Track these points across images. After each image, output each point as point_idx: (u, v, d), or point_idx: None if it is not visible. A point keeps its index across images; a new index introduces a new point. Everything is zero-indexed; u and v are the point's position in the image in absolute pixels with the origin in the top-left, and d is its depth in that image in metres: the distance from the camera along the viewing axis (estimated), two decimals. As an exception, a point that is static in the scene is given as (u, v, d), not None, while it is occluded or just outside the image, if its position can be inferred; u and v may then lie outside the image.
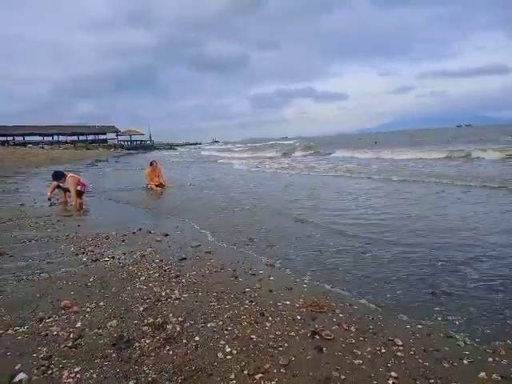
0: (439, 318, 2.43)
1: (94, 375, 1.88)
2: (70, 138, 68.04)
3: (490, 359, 1.97)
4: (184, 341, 2.19)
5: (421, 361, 1.97)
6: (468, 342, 2.13)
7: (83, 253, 4.00)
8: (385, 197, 7.45)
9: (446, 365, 1.93)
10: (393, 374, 1.86)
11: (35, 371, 1.90)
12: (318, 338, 2.22)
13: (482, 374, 1.83)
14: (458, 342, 2.14)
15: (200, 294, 2.86)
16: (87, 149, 56.26)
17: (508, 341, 2.13)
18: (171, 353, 2.07)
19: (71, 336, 2.24)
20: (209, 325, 2.37)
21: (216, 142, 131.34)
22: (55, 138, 65.88)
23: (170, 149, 73.06)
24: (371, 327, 2.32)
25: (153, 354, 2.07)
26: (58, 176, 8.05)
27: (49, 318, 2.49)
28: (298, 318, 2.47)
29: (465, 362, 1.95)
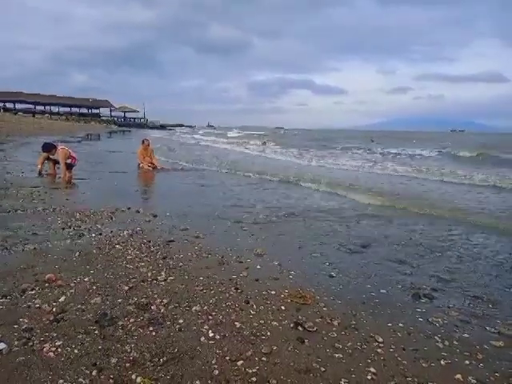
0: (420, 319, 2.47)
1: (76, 350, 1.87)
2: (62, 110, 66.78)
3: (467, 362, 2.01)
4: (168, 323, 2.20)
5: (400, 359, 2.01)
6: (446, 344, 2.17)
7: (70, 227, 3.96)
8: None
9: (423, 364, 1.97)
10: (372, 369, 1.90)
11: (16, 342, 1.89)
12: (300, 329, 2.24)
13: (459, 376, 1.87)
14: (437, 343, 2.18)
15: (186, 277, 2.86)
16: (79, 122, 55.31)
17: (485, 346, 2.18)
18: (154, 334, 2.08)
19: (54, 310, 2.23)
20: (193, 309, 2.38)
21: (211, 126, 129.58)
22: (47, 108, 64.55)
23: (163, 129, 72.22)
24: (353, 323, 2.36)
25: (136, 333, 2.07)
26: (48, 148, 7.93)
27: (32, 290, 2.47)
28: (283, 308, 2.49)
29: (442, 362, 1.99)
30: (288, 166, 12.46)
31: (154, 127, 71.76)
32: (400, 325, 2.37)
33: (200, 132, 58.36)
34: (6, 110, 53.80)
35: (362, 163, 14.10)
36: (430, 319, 2.46)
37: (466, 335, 2.29)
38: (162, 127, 73.30)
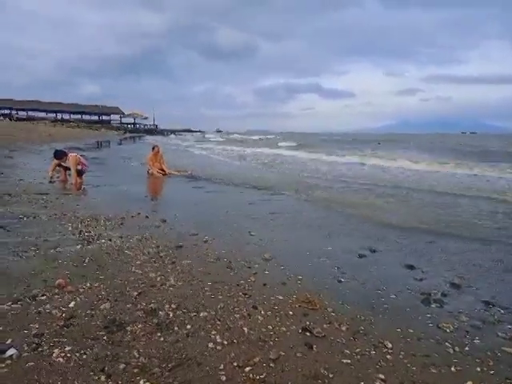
0: (430, 325, 2.43)
1: (85, 356, 1.89)
2: (73, 117, 67.80)
3: (478, 369, 1.98)
4: (176, 328, 2.20)
5: (409, 365, 1.98)
6: (457, 350, 2.14)
7: (80, 233, 3.99)
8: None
9: (433, 370, 1.94)
10: (381, 375, 1.88)
11: (26, 347, 1.91)
12: (308, 334, 2.23)
13: (470, 383, 1.85)
14: (448, 349, 2.15)
15: (194, 282, 2.87)
16: (90, 129, 55.99)
17: (497, 352, 2.14)
18: (162, 339, 2.08)
19: (64, 315, 2.25)
20: (201, 314, 2.38)
21: (220, 131, 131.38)
22: (58, 115, 65.63)
23: (172, 134, 72.77)
24: (362, 328, 2.34)
25: (144, 339, 2.08)
26: (60, 155, 8.04)
27: (42, 295, 2.50)
28: (290, 313, 2.48)
29: (453, 369, 1.96)
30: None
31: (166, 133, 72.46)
32: (410, 330, 2.34)
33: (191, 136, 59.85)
34: (17, 118, 54.80)
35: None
36: (440, 325, 2.42)
37: (477, 341, 2.25)
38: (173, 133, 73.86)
